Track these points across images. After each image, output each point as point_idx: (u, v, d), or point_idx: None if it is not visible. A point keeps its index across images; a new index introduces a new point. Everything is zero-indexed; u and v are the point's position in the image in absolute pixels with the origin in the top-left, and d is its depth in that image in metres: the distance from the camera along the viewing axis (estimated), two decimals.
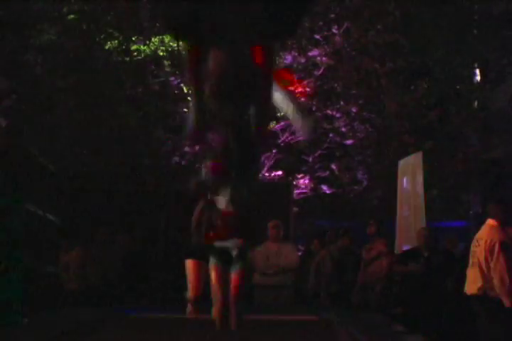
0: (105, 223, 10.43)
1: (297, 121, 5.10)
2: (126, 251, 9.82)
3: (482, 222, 6.67)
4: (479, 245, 6.37)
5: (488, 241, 6.29)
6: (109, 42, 13.05)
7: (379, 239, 9.11)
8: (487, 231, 6.43)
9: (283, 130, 13.14)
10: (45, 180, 8.91)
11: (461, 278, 6.78)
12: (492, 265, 6.21)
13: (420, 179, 10.35)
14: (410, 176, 10.61)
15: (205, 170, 4.40)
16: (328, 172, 13.62)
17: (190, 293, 6.59)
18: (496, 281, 6.18)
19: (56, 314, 7.34)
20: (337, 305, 8.82)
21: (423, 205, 10.09)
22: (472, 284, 6.39)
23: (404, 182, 10.79)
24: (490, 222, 6.45)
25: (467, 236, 10.15)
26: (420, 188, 10.29)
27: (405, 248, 9.66)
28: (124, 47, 13.15)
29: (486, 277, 6.26)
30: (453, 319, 7.82)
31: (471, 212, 14.97)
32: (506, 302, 6.12)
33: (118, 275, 9.45)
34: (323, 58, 13.02)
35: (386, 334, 5.70)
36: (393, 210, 10.98)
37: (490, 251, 6.23)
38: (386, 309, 8.34)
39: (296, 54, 12.96)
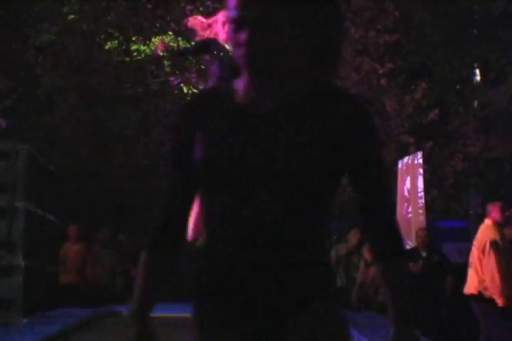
0: (105, 223, 10.43)
1: None
2: (126, 250, 9.82)
3: (482, 222, 6.67)
4: (474, 245, 6.40)
5: (480, 241, 6.30)
6: (109, 42, 13.04)
7: None
8: (481, 231, 6.45)
9: None
10: (46, 180, 8.91)
11: (460, 278, 6.78)
12: (484, 265, 6.22)
13: (420, 179, 10.36)
14: (410, 176, 10.61)
15: None
16: None
17: None
18: (487, 281, 6.19)
19: (56, 313, 7.35)
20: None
21: (423, 205, 10.10)
22: (470, 284, 6.40)
23: (404, 182, 10.79)
24: (486, 221, 6.47)
25: (467, 236, 10.16)
26: (420, 188, 10.30)
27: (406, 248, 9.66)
28: (124, 47, 13.15)
29: (480, 277, 6.27)
30: (453, 319, 7.82)
31: (471, 212, 14.97)
32: (499, 301, 6.12)
33: (117, 275, 9.45)
34: None
35: (386, 334, 5.71)
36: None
37: (482, 250, 6.24)
38: (386, 309, 8.33)
39: None
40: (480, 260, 6.24)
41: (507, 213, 6.42)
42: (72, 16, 13.02)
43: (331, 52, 1.84)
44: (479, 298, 6.27)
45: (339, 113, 1.79)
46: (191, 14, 12.91)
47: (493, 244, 6.20)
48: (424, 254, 8.51)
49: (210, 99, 1.87)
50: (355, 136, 1.80)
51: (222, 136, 1.81)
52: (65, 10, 13.12)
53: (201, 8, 12.80)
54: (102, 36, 13.15)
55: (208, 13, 12.70)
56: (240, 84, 1.82)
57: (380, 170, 1.86)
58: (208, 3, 12.78)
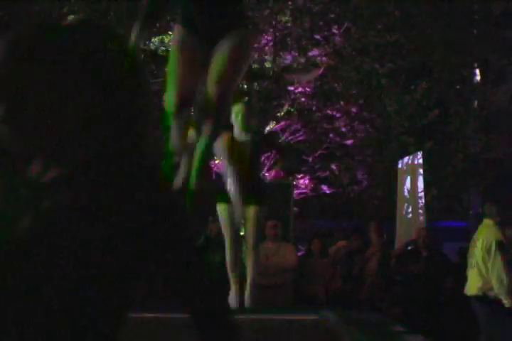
0: None
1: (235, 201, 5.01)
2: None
3: (482, 222, 6.67)
4: (476, 246, 6.37)
5: (485, 241, 6.28)
6: None
7: (377, 240, 9.17)
8: (483, 231, 6.42)
9: (283, 130, 13.15)
10: None
11: (460, 278, 6.77)
12: (490, 265, 6.20)
13: (420, 179, 10.36)
14: (410, 176, 10.61)
15: None
16: (328, 172, 13.62)
17: None
18: (494, 281, 6.17)
19: None
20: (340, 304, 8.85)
21: (423, 205, 10.10)
22: (472, 285, 6.38)
23: (404, 182, 10.80)
24: (486, 221, 6.45)
25: (467, 236, 10.16)
26: (420, 188, 10.30)
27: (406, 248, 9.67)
28: None
29: (484, 277, 6.25)
30: (453, 319, 7.82)
31: (471, 212, 14.98)
32: (506, 302, 6.11)
33: None
34: (323, 58, 13.01)
35: (386, 334, 5.70)
36: (393, 210, 10.98)
37: (487, 251, 6.22)
38: (386, 309, 8.34)
39: (296, 54, 12.95)
40: (485, 260, 6.22)
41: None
42: (72, 16, 13.04)
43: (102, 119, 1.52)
44: (483, 298, 6.25)
45: (129, 193, 1.42)
46: None
47: (500, 244, 6.19)
48: (424, 254, 8.51)
49: None
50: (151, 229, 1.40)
51: None
52: (65, 10, 13.13)
53: None
54: None
55: None
56: None
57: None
58: None
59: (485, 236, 6.32)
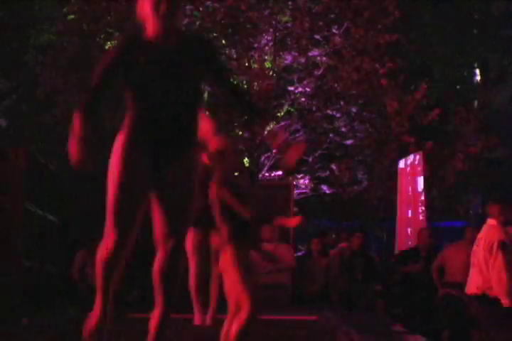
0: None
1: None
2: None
3: (482, 222, 6.67)
4: (478, 245, 6.37)
5: (487, 241, 6.28)
6: (109, 42, 13.04)
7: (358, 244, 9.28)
8: (486, 231, 6.42)
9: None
10: (45, 180, 8.92)
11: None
12: (491, 265, 6.20)
13: (420, 179, 10.36)
14: (410, 176, 10.62)
15: None
16: (328, 172, 13.61)
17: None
18: (494, 281, 6.17)
19: (56, 314, 7.34)
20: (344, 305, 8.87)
21: (423, 205, 10.10)
22: (471, 284, 6.38)
23: (404, 182, 10.80)
24: (489, 221, 6.45)
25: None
26: (420, 188, 10.30)
27: (405, 248, 9.67)
28: None
29: (485, 277, 6.25)
30: (452, 318, 7.82)
31: (471, 212, 14.99)
32: (505, 301, 6.11)
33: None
34: (323, 58, 13.00)
35: (386, 334, 5.71)
36: (393, 210, 10.98)
37: (489, 250, 6.22)
38: (386, 309, 8.35)
39: (296, 54, 12.95)
40: (486, 260, 6.22)
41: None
42: (72, 16, 13.02)
43: None
44: (482, 297, 6.25)
45: None
46: (191, 14, 12.92)
47: (502, 244, 6.19)
48: (423, 254, 8.52)
49: None
50: None
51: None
52: (65, 10, 13.12)
53: (201, 8, 12.80)
54: (102, 36, 13.13)
55: (208, 14, 12.72)
56: None
57: None
58: (208, 3, 12.77)
59: (488, 236, 6.32)
